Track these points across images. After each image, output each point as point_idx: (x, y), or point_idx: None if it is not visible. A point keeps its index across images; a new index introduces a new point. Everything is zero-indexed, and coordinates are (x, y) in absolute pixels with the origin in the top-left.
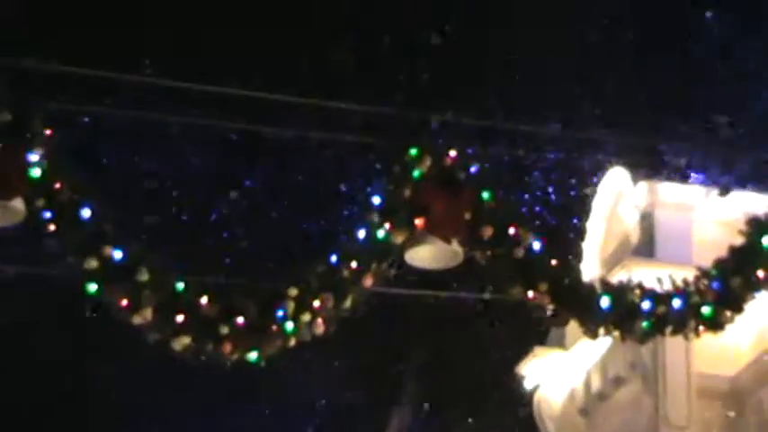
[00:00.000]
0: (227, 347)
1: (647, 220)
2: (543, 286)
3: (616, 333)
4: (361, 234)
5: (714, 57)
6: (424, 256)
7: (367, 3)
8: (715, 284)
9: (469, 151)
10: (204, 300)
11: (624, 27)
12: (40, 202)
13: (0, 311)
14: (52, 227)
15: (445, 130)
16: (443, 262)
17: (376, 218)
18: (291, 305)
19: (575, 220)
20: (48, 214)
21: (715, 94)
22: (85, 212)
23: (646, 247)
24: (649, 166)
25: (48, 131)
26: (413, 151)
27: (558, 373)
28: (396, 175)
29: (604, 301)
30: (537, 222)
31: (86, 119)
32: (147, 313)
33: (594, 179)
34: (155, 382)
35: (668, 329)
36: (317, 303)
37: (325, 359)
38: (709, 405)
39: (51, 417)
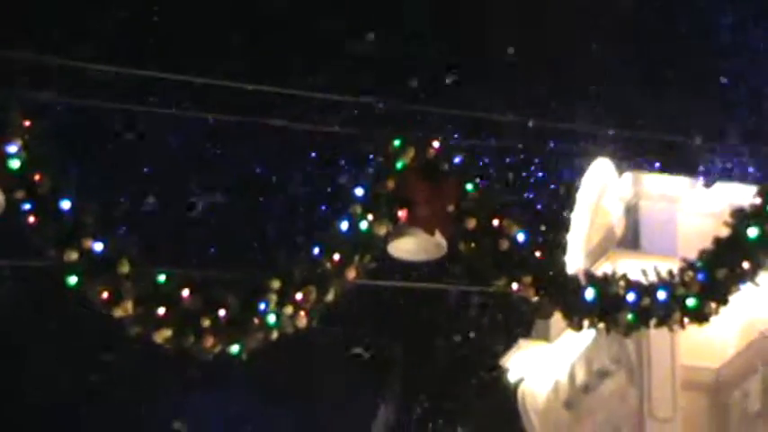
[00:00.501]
0: (209, 340)
1: (631, 212)
2: (528, 278)
3: (601, 325)
4: (344, 226)
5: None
6: (408, 248)
7: None
8: (700, 276)
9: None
10: (186, 292)
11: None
12: (20, 194)
13: None
14: (32, 219)
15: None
16: (426, 254)
17: (359, 209)
18: (274, 298)
19: (560, 212)
20: (27, 206)
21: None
22: (65, 204)
23: (630, 238)
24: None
25: (26, 122)
26: (396, 142)
27: (542, 365)
28: (379, 166)
29: (589, 293)
30: (521, 214)
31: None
32: (128, 306)
33: (580, 170)
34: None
35: (653, 321)
36: (299, 296)
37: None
38: (694, 397)
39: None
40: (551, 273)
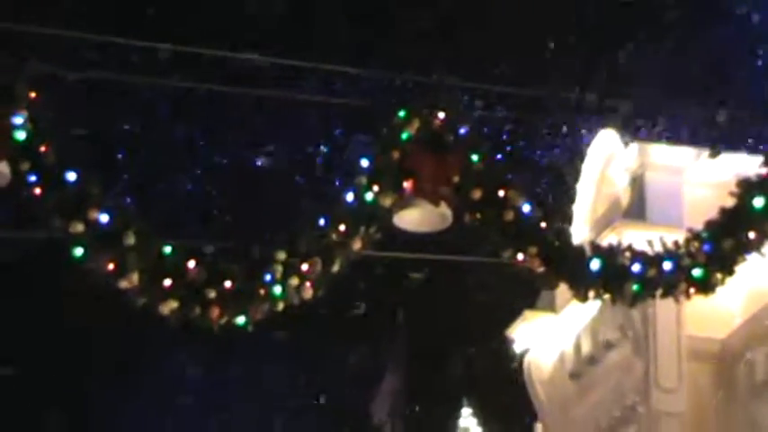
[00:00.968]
0: (215, 312)
1: (637, 183)
2: (533, 249)
3: (606, 296)
4: (350, 197)
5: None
6: (413, 219)
7: None
8: (706, 246)
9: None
10: (191, 264)
11: None
12: (26, 166)
13: None
14: (38, 190)
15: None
16: (432, 225)
17: (364, 181)
18: (279, 269)
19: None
20: (33, 178)
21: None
22: (71, 176)
23: (636, 209)
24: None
25: (32, 94)
26: (401, 113)
27: (547, 336)
28: (384, 137)
29: (594, 264)
30: (527, 185)
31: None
32: (134, 277)
33: (586, 141)
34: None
35: (659, 292)
36: (305, 267)
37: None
38: (700, 367)
39: None
40: (557, 244)
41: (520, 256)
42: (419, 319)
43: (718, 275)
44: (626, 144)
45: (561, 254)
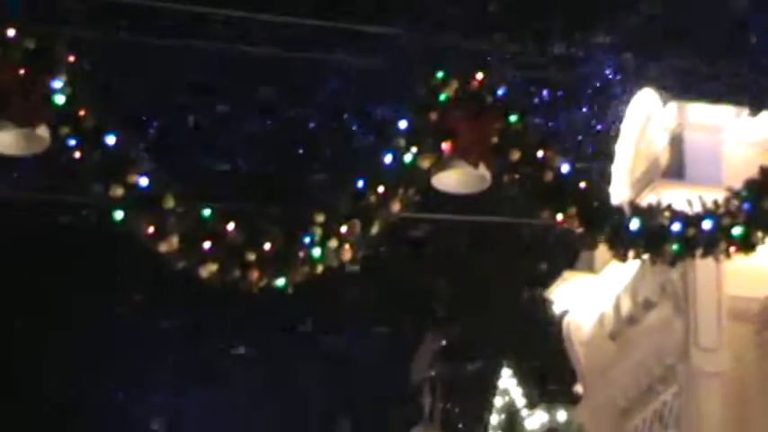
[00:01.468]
0: (254, 274)
1: (676, 142)
2: (572, 209)
3: (646, 256)
4: (388, 159)
5: None
6: (452, 180)
7: None
8: (746, 205)
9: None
10: (230, 226)
11: None
12: (65, 130)
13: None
14: (77, 154)
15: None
16: (471, 186)
17: (402, 142)
18: (318, 231)
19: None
20: (72, 142)
21: None
22: (110, 139)
23: (675, 168)
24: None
25: (71, 58)
26: (439, 75)
27: (587, 297)
28: (421, 99)
29: (634, 224)
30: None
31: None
32: (173, 241)
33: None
34: None
35: (698, 251)
36: (343, 229)
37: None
38: (741, 327)
39: None
40: (596, 204)
41: (559, 217)
42: (460, 284)
43: (759, 234)
44: (664, 103)
45: (600, 214)
